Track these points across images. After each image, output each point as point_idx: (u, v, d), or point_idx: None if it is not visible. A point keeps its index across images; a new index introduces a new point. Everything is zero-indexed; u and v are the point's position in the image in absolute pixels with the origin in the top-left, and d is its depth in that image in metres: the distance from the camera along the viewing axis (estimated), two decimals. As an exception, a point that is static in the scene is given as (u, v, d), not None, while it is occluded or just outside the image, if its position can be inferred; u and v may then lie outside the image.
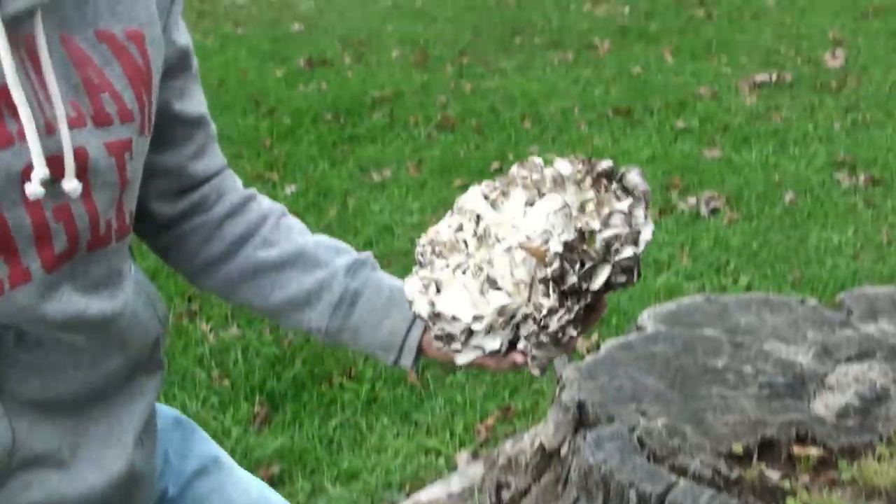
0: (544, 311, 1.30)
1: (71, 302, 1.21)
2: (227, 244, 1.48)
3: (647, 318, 2.72)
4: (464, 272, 1.35)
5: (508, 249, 1.32)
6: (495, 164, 5.35)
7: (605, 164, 1.35)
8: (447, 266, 1.37)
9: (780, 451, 2.20)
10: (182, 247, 1.49)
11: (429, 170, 5.54)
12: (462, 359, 1.38)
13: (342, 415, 3.50)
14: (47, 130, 1.14)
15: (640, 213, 1.33)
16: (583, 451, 2.22)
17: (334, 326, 1.47)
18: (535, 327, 1.32)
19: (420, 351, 1.48)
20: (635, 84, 6.78)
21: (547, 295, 1.30)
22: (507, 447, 2.67)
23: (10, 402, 1.22)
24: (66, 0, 1.17)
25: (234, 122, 6.09)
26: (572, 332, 1.32)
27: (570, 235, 1.29)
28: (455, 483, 3.08)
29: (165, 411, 1.58)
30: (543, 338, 1.32)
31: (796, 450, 2.18)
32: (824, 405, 2.32)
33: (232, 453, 1.78)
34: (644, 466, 2.13)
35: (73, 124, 1.16)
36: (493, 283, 1.33)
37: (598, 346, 2.93)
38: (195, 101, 1.43)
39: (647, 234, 1.33)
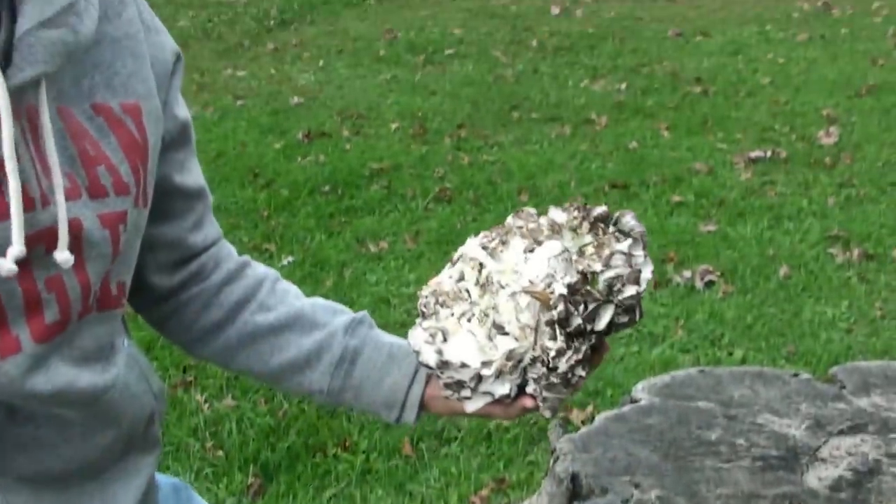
0: (553, 353, 1.32)
1: (60, 373, 1.21)
2: (226, 311, 1.48)
3: (642, 391, 2.73)
4: (469, 320, 1.37)
5: (513, 295, 1.35)
6: (492, 237, 5.32)
7: (601, 209, 1.39)
8: (452, 315, 1.39)
9: (772, 523, 2.20)
10: (180, 316, 1.50)
11: (426, 241, 5.57)
12: (472, 406, 1.40)
13: (336, 486, 3.50)
14: (43, 202, 1.15)
15: (639, 253, 1.36)
16: (576, 523, 2.22)
17: (336, 386, 1.48)
18: (544, 369, 1.34)
19: (422, 406, 1.48)
20: (632, 158, 6.83)
21: (554, 337, 1.32)
22: (501, 519, 2.66)
23: (4, 477, 1.22)
24: (65, 73, 1.19)
25: (231, 194, 6.12)
26: (581, 372, 1.34)
27: (572, 278, 1.32)
28: (449, 555, 3.07)
29: (163, 480, 1.58)
30: (554, 379, 1.34)
31: (789, 523, 2.19)
32: (817, 478, 2.33)
33: (225, 522, 1.78)
34: (637, 538, 2.13)
35: (69, 196, 1.17)
36: (499, 329, 1.35)
37: (592, 418, 2.93)
38: (195, 174, 1.44)
39: (647, 273, 1.36)
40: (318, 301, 1.53)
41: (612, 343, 4.30)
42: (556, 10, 11.06)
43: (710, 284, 5.03)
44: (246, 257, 1.54)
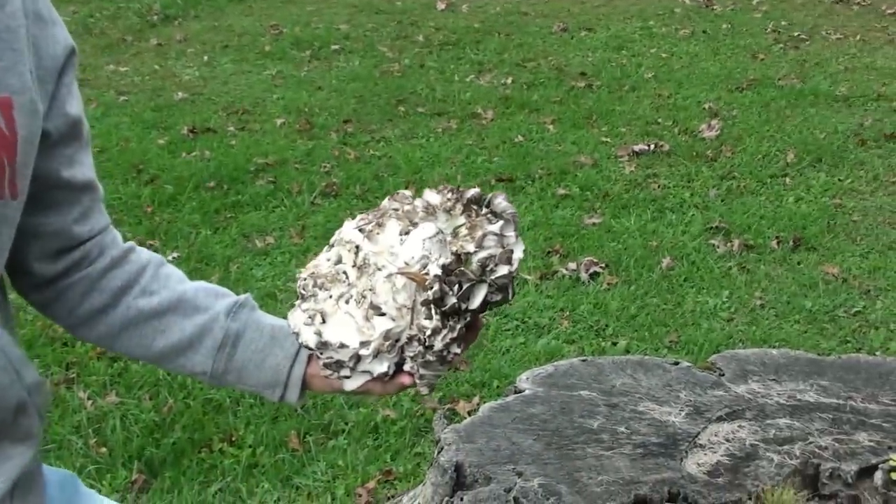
0: (428, 332, 1.37)
1: None
2: (109, 296, 1.50)
3: (525, 381, 2.75)
4: (347, 301, 1.41)
5: (389, 276, 1.38)
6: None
7: (473, 191, 1.43)
8: (330, 297, 1.42)
9: (653, 508, 2.23)
10: (63, 300, 1.51)
11: (312, 236, 5.55)
12: (351, 384, 1.44)
13: (222, 480, 3.47)
14: None
15: (510, 233, 1.40)
16: (460, 512, 2.23)
17: (219, 368, 1.51)
18: (420, 348, 1.38)
19: (304, 385, 1.52)
20: (518, 152, 6.87)
21: (429, 317, 1.37)
22: (387, 510, 2.67)
23: None
24: None
25: (114, 190, 6.02)
26: (456, 349, 1.39)
27: (446, 259, 1.36)
28: (336, 548, 3.07)
29: (51, 474, 1.57)
30: (430, 357, 1.38)
31: (669, 507, 2.22)
32: (696, 464, 2.37)
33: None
34: (520, 526, 2.15)
35: None
36: (377, 310, 1.39)
37: (478, 409, 2.95)
38: (84, 168, 1.45)
39: (518, 252, 1.40)
40: (202, 285, 1.56)
41: (498, 335, 4.33)
42: (441, 6, 11.08)
43: (594, 276, 5.09)
44: (131, 243, 1.56)
